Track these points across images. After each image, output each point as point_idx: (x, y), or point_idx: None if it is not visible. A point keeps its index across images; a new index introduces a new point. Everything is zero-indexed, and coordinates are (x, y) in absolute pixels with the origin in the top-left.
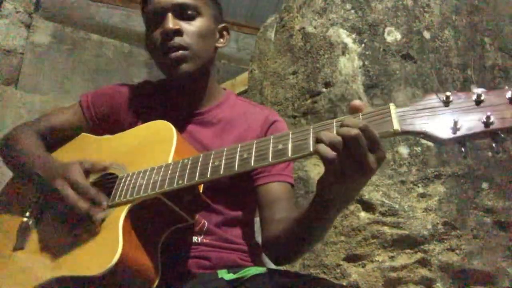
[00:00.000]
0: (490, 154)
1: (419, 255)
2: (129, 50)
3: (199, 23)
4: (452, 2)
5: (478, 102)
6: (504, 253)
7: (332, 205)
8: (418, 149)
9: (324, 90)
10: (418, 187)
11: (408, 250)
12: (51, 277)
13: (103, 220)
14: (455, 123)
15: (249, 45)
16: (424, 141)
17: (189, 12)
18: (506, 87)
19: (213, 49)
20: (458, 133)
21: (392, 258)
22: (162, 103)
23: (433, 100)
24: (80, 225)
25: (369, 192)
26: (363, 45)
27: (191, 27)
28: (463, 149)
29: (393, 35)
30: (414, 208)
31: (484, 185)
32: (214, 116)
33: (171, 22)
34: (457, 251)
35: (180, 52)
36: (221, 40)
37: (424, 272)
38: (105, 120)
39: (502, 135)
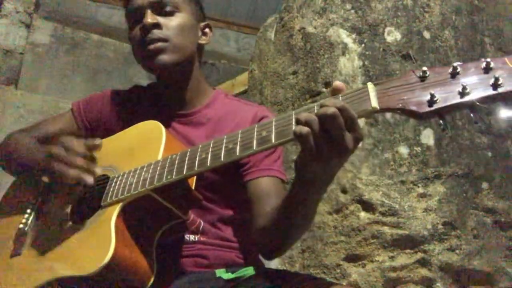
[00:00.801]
0: (490, 154)
1: (419, 255)
2: (129, 50)
3: (178, 18)
4: (452, 2)
5: (454, 74)
6: (504, 253)
7: (311, 185)
8: (418, 149)
9: (324, 90)
10: (418, 187)
11: (408, 250)
12: (47, 280)
13: (92, 214)
14: (432, 95)
15: (249, 45)
16: (424, 141)
17: (168, 8)
18: (482, 59)
19: (194, 45)
20: (435, 106)
21: (392, 258)
22: (151, 106)
23: (411, 76)
24: (74, 227)
25: (369, 192)
26: (363, 45)
27: (170, 22)
28: (441, 121)
29: (393, 35)
30: (414, 208)
31: (484, 185)
32: (204, 116)
33: (150, 17)
34: (457, 251)
35: (159, 43)
36: (204, 37)
37: (424, 272)
38: (97, 126)
39: (479, 104)
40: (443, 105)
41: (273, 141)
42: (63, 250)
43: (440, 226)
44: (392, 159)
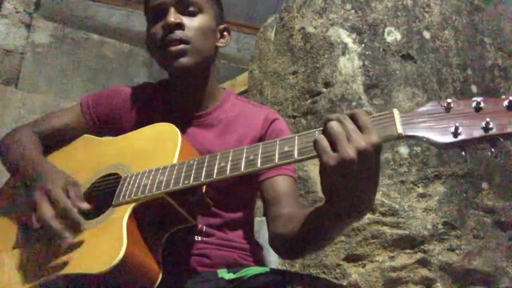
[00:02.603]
0: (490, 154)
1: (419, 255)
2: (129, 50)
3: (201, 19)
4: (452, 2)
5: (478, 109)
6: (504, 253)
7: (339, 206)
8: (418, 149)
9: (324, 90)
10: (418, 187)
11: (408, 250)
12: (55, 275)
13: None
14: (456, 128)
15: (249, 45)
16: None
17: (191, 8)
18: (503, 96)
19: (213, 47)
20: (459, 138)
21: (392, 258)
22: (163, 105)
23: (435, 106)
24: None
25: None
26: (363, 45)
27: (192, 23)
28: (463, 153)
29: (393, 35)
30: (414, 208)
31: (484, 185)
32: (215, 118)
33: (173, 16)
34: (457, 251)
35: (181, 45)
36: (222, 40)
37: (424, 272)
38: (105, 122)
39: (501, 140)
40: (467, 137)
41: (295, 156)
42: (72, 247)
43: (440, 226)
44: (392, 159)
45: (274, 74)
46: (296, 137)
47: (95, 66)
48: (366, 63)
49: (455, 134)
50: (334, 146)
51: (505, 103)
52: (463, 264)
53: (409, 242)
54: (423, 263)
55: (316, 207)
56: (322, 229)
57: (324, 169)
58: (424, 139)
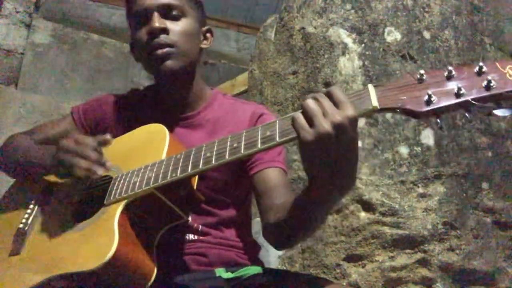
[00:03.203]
0: (490, 154)
1: (419, 255)
2: (129, 50)
3: (184, 23)
4: (452, 2)
5: (449, 77)
6: (504, 253)
7: (321, 185)
8: (418, 149)
9: (324, 90)
10: (418, 187)
11: (408, 250)
12: (49, 276)
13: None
14: (429, 96)
15: (249, 45)
16: (424, 141)
17: (174, 12)
18: (474, 63)
19: (198, 50)
20: (432, 106)
21: (392, 258)
22: (150, 109)
23: (408, 78)
24: (76, 225)
25: (369, 192)
26: (363, 45)
27: (176, 27)
28: (438, 120)
29: (393, 35)
30: (414, 208)
31: (484, 185)
32: (203, 118)
33: (158, 21)
34: (457, 251)
35: (166, 49)
36: (205, 41)
37: (424, 272)
38: (96, 130)
39: (474, 104)
40: (440, 104)
41: (277, 139)
42: (65, 248)
43: (440, 226)
44: (392, 159)
45: (274, 74)
46: (277, 121)
47: (95, 66)
48: (366, 63)
49: (428, 102)
50: (311, 122)
51: (476, 69)
52: (463, 264)
53: (409, 242)
54: (423, 263)
55: (301, 190)
56: (308, 210)
57: (303, 146)
58: (399, 110)
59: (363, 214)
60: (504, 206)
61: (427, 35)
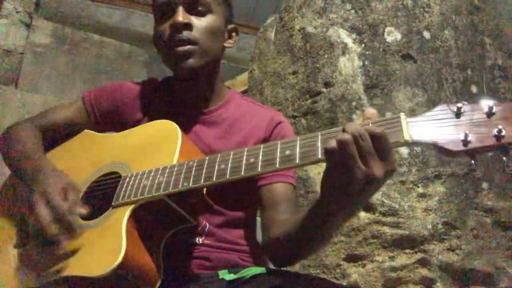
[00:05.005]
0: (490, 154)
1: (419, 255)
2: (129, 50)
3: (210, 20)
4: (452, 2)
5: (489, 114)
6: (504, 253)
7: (335, 208)
8: (418, 149)
9: (324, 90)
10: (418, 187)
11: (408, 250)
12: (55, 277)
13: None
14: (466, 135)
15: (249, 45)
16: None
17: (200, 8)
18: None
19: (220, 48)
20: (469, 146)
21: (392, 258)
22: (167, 101)
23: (444, 111)
24: (83, 225)
25: None
26: (363, 45)
27: (201, 23)
28: (473, 161)
29: (393, 35)
30: (414, 208)
31: (484, 185)
32: (219, 116)
33: (181, 15)
34: (457, 251)
35: (188, 46)
36: (230, 40)
37: (424, 272)
38: (108, 117)
39: None
40: (478, 145)
41: (297, 161)
42: (71, 248)
43: (440, 226)
44: None
45: (274, 74)
46: (298, 140)
47: (95, 66)
48: (366, 63)
49: (465, 142)
50: (344, 159)
51: None
52: (463, 264)
53: (409, 242)
54: (423, 263)
55: (309, 207)
56: (314, 227)
57: (328, 173)
58: (432, 147)
59: (363, 214)
60: (504, 206)
61: (427, 35)
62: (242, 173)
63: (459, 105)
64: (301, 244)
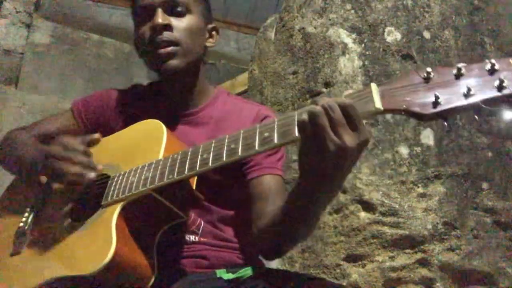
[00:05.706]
0: (490, 154)
1: (419, 255)
2: (129, 50)
3: (189, 20)
4: (452, 2)
5: (458, 76)
6: (504, 253)
7: (314, 186)
8: (418, 149)
9: (324, 90)
10: (418, 187)
11: (408, 250)
12: (47, 279)
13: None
14: (436, 97)
15: (249, 45)
16: (424, 141)
17: (179, 8)
18: (486, 60)
19: (202, 47)
20: (439, 108)
21: (392, 258)
22: (152, 105)
23: (414, 77)
24: (74, 226)
25: (369, 192)
26: (363, 45)
27: (181, 23)
28: (445, 123)
29: (393, 35)
30: (414, 208)
31: (484, 185)
32: (205, 115)
33: (161, 17)
34: (457, 251)
35: (171, 47)
36: (211, 39)
37: (424, 272)
38: (97, 125)
39: (484, 106)
40: (448, 107)
41: (275, 141)
42: (63, 250)
43: (440, 226)
44: (392, 159)
45: (274, 74)
46: (276, 122)
47: (95, 66)
48: (366, 63)
49: (435, 104)
50: (317, 133)
51: (487, 66)
52: (463, 264)
53: (409, 242)
54: (423, 263)
55: (289, 191)
56: (296, 210)
57: (302, 151)
58: (403, 112)
59: (363, 214)
60: (504, 206)
61: (427, 35)
62: (224, 159)
63: (428, 69)
64: (285, 230)
